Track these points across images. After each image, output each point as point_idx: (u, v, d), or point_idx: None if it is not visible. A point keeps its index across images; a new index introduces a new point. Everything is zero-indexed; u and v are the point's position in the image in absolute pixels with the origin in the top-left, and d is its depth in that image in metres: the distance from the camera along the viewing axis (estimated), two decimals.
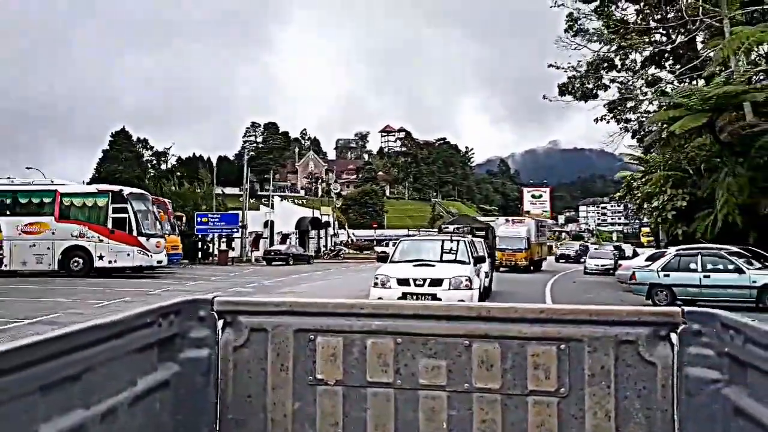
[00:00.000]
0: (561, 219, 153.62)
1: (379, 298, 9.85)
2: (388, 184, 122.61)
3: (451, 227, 21.03)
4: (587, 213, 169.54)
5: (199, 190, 45.67)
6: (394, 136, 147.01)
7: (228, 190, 75.71)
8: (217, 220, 34.54)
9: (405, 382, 2.18)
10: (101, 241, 20.49)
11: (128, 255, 20.63)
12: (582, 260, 38.61)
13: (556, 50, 27.31)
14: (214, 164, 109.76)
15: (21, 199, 21.24)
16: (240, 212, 37.81)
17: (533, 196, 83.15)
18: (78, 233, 20.42)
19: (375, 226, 65.11)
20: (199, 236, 34.16)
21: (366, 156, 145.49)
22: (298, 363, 2.29)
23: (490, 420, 2.12)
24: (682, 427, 1.98)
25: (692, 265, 12.66)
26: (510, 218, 37.65)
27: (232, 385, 2.35)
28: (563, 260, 44.43)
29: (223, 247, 35.60)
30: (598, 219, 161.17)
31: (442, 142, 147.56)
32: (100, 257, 20.42)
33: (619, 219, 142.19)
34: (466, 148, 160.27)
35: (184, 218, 31.53)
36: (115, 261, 20.58)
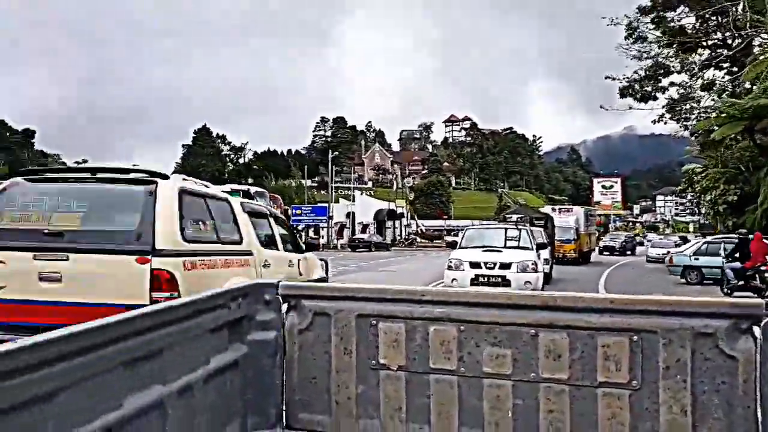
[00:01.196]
0: (636, 209, 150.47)
1: (453, 280, 11.09)
2: (454, 174, 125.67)
3: (514, 216, 21.09)
4: (664, 202, 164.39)
5: (293, 184, 51.89)
6: (458, 125, 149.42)
7: (305, 182, 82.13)
8: (308, 211, 40.11)
9: (469, 369, 2.21)
10: None
11: None
12: (628, 253, 39.49)
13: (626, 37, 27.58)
14: (287, 158, 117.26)
15: None
16: (327, 205, 43.22)
17: (604, 187, 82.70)
18: None
19: (444, 217, 69.25)
20: (294, 226, 39.85)
21: (430, 147, 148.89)
22: (360, 347, 2.37)
23: (558, 411, 2.10)
24: (765, 423, 1.89)
25: (718, 251, 16.00)
26: (557, 207, 37.11)
27: (298, 367, 2.45)
28: (607, 252, 40.93)
29: (312, 235, 41.14)
30: (676, 208, 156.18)
31: (508, 131, 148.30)
32: None
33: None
34: (534, 136, 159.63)
35: (286, 211, 37.33)
36: None
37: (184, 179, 4.59)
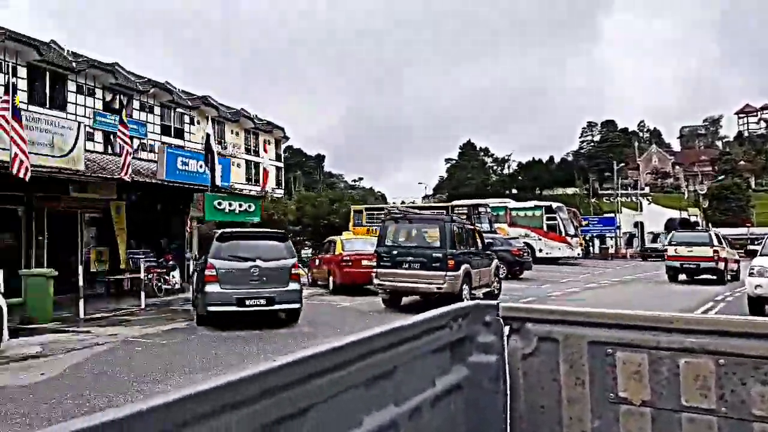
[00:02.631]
0: None
1: (758, 286, 11.00)
2: (753, 174, 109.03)
3: None
4: None
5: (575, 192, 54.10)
6: (756, 116, 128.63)
7: (570, 191, 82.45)
8: (595, 222, 41.91)
9: (732, 410, 1.95)
10: (540, 239, 30.19)
11: (558, 249, 29.86)
12: None
13: None
14: (550, 165, 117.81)
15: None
16: (614, 214, 44.24)
17: None
18: (524, 234, 30.30)
19: (748, 224, 61.93)
20: (583, 236, 42.14)
21: (719, 144, 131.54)
22: (595, 377, 2.21)
23: None
24: None
25: None
26: None
27: (523, 394, 2.35)
28: None
29: (597, 244, 42.68)
30: None
31: None
32: (540, 250, 29.98)
33: None
34: None
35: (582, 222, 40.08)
36: (549, 253, 30.00)
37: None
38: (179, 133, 39.66)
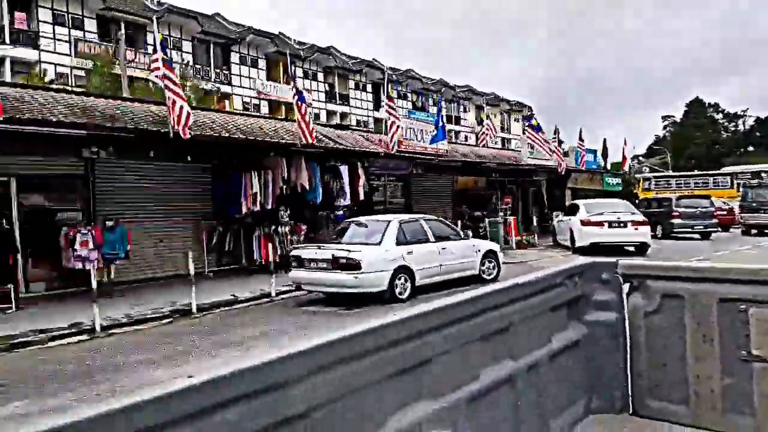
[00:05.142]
0: None
1: None
2: None
3: None
4: None
5: None
6: None
7: None
8: None
9: None
10: None
11: None
12: None
13: None
14: None
15: None
16: None
17: None
18: None
19: None
20: None
21: None
22: (725, 335, 2.20)
23: None
24: None
25: None
26: None
27: (645, 351, 2.39)
28: None
29: None
30: None
31: None
32: None
33: None
34: None
35: None
36: None
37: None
38: (457, 120, 50.57)
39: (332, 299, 9.79)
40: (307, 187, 13.24)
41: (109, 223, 10.79)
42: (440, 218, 12.35)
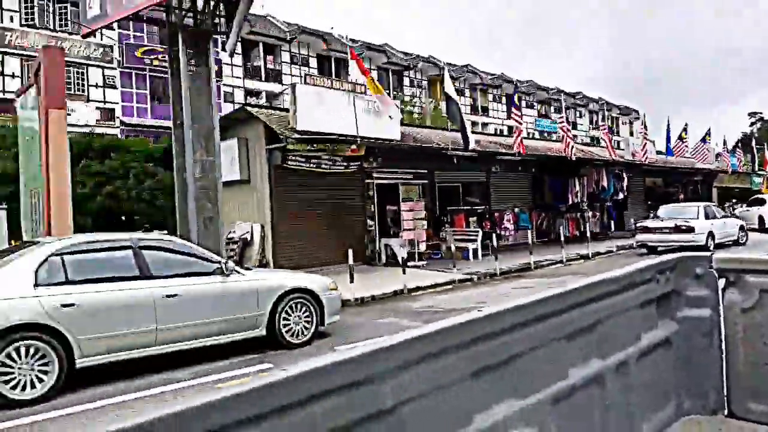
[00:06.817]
0: None
1: None
2: None
3: None
4: None
5: None
6: None
7: None
8: None
9: None
10: None
11: None
12: None
13: None
14: None
15: None
16: None
17: None
18: None
19: None
20: None
21: None
22: None
23: None
24: None
25: None
26: None
27: (743, 350, 2.26)
28: None
29: None
30: None
31: None
32: None
33: None
34: None
35: None
36: None
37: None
38: (574, 126, 56.39)
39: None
40: (606, 188, 20.48)
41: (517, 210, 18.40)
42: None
